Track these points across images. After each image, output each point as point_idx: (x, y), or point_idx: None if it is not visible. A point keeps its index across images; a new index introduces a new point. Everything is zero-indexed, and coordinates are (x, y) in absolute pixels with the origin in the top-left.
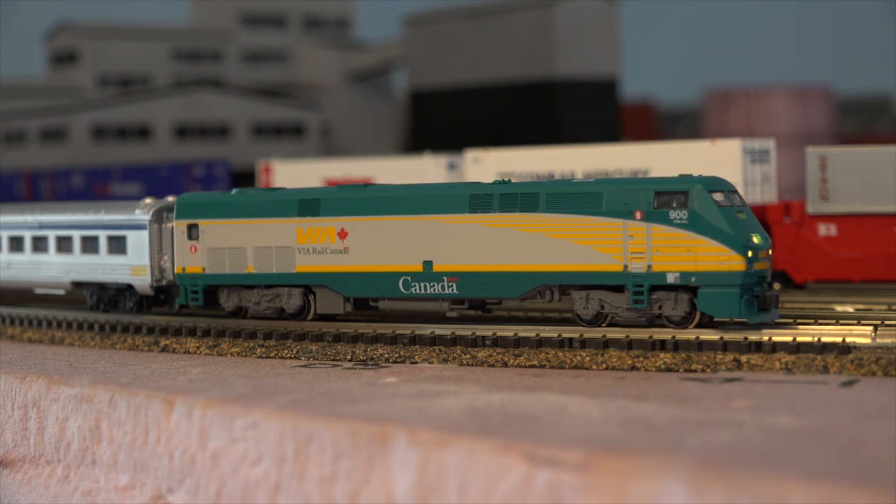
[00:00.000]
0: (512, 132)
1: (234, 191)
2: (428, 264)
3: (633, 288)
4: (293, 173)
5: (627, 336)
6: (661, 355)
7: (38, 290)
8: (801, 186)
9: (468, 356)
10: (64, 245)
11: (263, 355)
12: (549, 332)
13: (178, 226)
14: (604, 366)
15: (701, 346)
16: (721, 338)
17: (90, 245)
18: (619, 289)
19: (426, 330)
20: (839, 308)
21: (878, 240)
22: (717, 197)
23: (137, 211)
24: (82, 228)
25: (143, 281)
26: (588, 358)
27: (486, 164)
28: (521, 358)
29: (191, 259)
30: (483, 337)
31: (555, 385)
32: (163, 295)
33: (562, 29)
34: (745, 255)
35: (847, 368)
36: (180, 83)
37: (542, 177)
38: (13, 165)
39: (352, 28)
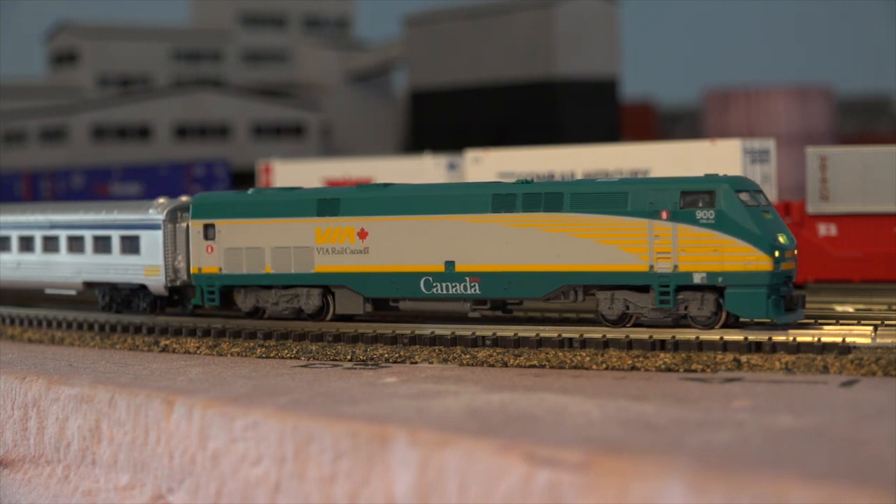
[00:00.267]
0: (512, 132)
1: (250, 190)
2: (450, 264)
3: (658, 288)
4: (293, 173)
5: (627, 336)
6: (661, 355)
7: (49, 291)
8: (801, 186)
9: (468, 356)
10: (75, 245)
11: (263, 355)
12: (549, 332)
13: (194, 226)
14: (604, 366)
15: (701, 346)
16: (721, 338)
17: (102, 245)
18: (644, 289)
19: (426, 330)
20: (839, 308)
21: (878, 240)
22: (744, 197)
23: (151, 210)
24: (94, 228)
25: (156, 281)
26: (588, 358)
27: (486, 164)
28: (521, 358)
29: (207, 259)
30: (483, 337)
31: (555, 385)
32: (176, 295)
33: (562, 29)
34: (773, 255)
35: (847, 368)
36: (180, 83)
37: (542, 177)
38: (13, 165)
39: (352, 28)
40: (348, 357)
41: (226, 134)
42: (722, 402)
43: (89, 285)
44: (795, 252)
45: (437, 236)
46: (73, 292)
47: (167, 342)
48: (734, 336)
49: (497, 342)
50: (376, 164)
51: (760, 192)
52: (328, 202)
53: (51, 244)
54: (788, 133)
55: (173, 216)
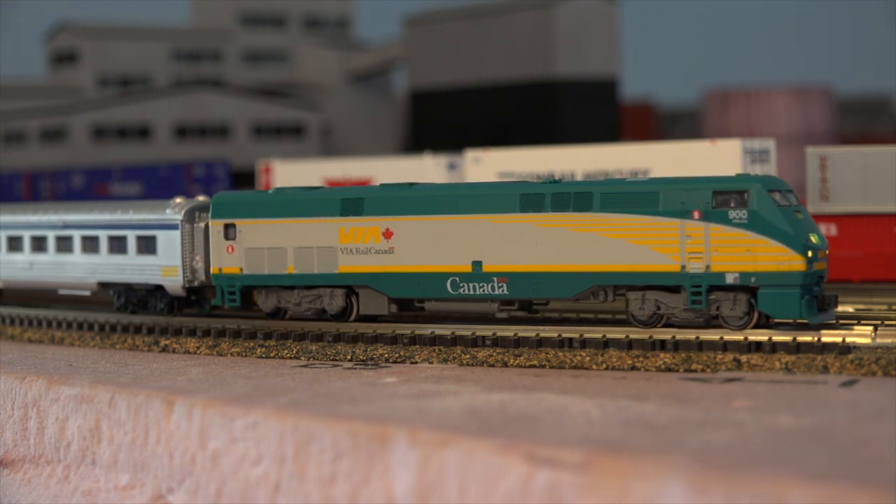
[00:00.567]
0: (512, 132)
1: (270, 189)
2: (477, 264)
3: (691, 288)
4: (293, 173)
5: (627, 336)
6: (661, 355)
7: (62, 291)
8: (801, 186)
9: (468, 356)
10: (90, 245)
11: (263, 355)
12: (549, 332)
13: (214, 225)
14: (604, 366)
15: (701, 346)
16: (721, 338)
17: (118, 245)
18: (675, 289)
19: (426, 330)
20: (839, 308)
21: (878, 240)
22: (776, 196)
23: (168, 210)
24: (110, 228)
25: (174, 282)
26: (588, 358)
27: (486, 164)
28: (521, 358)
29: (228, 259)
30: (483, 337)
31: (555, 385)
32: (194, 296)
33: (562, 29)
34: (806, 255)
35: (847, 368)
36: (180, 83)
37: (542, 177)
38: (13, 165)
39: (352, 28)
40: (348, 357)
41: (226, 134)
42: (722, 402)
43: (104, 286)
44: (827, 252)
45: (465, 236)
46: (87, 293)
47: (167, 342)
48: (734, 336)
49: (497, 342)
50: (376, 164)
51: (791, 191)
52: (352, 202)
53: (64, 244)
54: (788, 133)
55: (191, 216)
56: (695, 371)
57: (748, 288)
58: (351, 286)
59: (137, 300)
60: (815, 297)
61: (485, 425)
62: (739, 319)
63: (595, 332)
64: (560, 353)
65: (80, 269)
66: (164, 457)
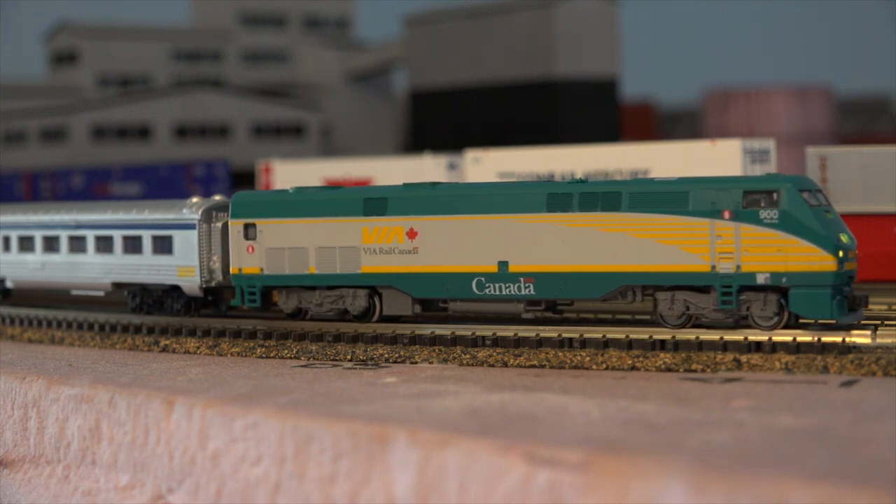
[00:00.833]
0: (512, 132)
1: (290, 189)
2: (503, 265)
3: (721, 289)
4: (293, 173)
5: (627, 336)
6: (661, 355)
7: (75, 292)
8: None
9: (468, 356)
10: (103, 245)
11: (263, 355)
12: (549, 332)
13: (234, 225)
14: (604, 366)
15: (701, 346)
16: (721, 338)
17: (133, 245)
18: (704, 289)
19: (426, 330)
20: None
21: (878, 240)
22: (806, 196)
23: (185, 210)
24: (124, 228)
25: (191, 282)
26: (588, 358)
27: (486, 164)
28: (521, 358)
29: (248, 259)
30: (483, 337)
31: (555, 385)
32: (210, 296)
33: (562, 29)
34: (837, 255)
35: (847, 368)
36: (180, 83)
37: (542, 177)
38: (13, 165)
39: (352, 28)
40: (348, 357)
41: (226, 134)
42: (722, 402)
43: (118, 286)
44: (856, 252)
45: (490, 236)
46: (101, 293)
47: (167, 342)
48: (734, 336)
49: (497, 342)
50: (376, 164)
51: (820, 191)
52: (375, 201)
53: (77, 244)
54: (788, 133)
55: (208, 215)
56: (695, 371)
57: (778, 288)
58: (374, 286)
59: (153, 301)
60: (845, 297)
61: (485, 425)
62: (769, 320)
63: (595, 332)
64: (560, 353)
65: (93, 270)
66: (164, 457)
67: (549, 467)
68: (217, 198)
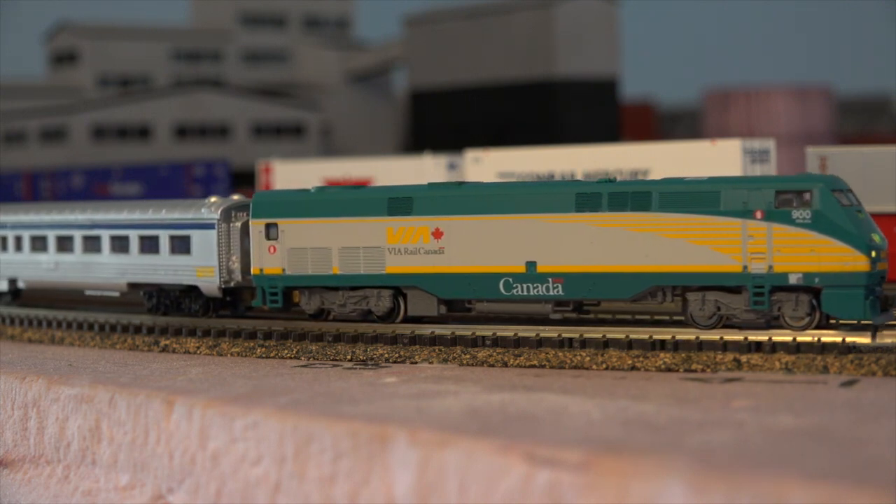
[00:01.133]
0: (512, 132)
1: (312, 189)
2: (531, 265)
3: (753, 289)
4: (293, 173)
5: (627, 336)
6: (661, 355)
7: (89, 292)
8: None
9: (468, 356)
10: (119, 245)
11: (263, 355)
12: (549, 332)
13: (255, 225)
14: (604, 366)
15: (701, 346)
16: (721, 338)
17: (149, 245)
18: (735, 290)
19: (426, 330)
20: None
21: None
22: (838, 196)
23: (204, 210)
24: (141, 227)
25: (210, 283)
26: (588, 358)
27: (486, 164)
28: (521, 358)
29: (269, 260)
30: (483, 337)
31: (555, 385)
32: (229, 297)
33: (562, 29)
34: (869, 255)
35: (847, 368)
36: (180, 83)
37: (542, 177)
38: (13, 165)
39: (352, 28)
40: (348, 357)
41: (226, 134)
42: (722, 402)
43: (134, 286)
44: (887, 252)
45: (518, 236)
46: (116, 294)
47: (167, 342)
48: (734, 336)
49: (497, 342)
50: (376, 164)
51: (851, 191)
52: (400, 201)
53: (92, 244)
54: (788, 133)
55: (227, 215)
56: (695, 371)
57: (810, 288)
58: (398, 287)
59: (171, 301)
60: (877, 297)
61: (485, 425)
62: (801, 320)
63: (595, 333)
64: (560, 353)
65: (108, 270)
66: (164, 457)
67: (549, 467)
68: (235, 197)
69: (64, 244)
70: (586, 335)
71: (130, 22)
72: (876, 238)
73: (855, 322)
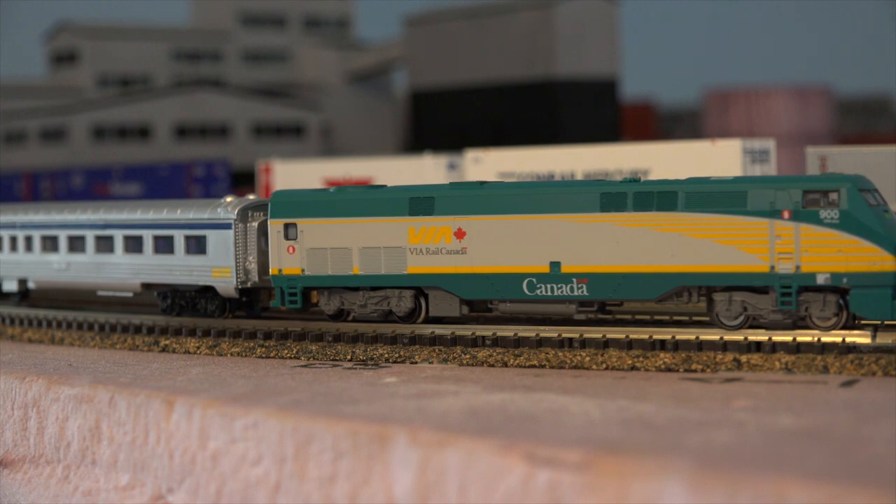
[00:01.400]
0: (512, 132)
1: (331, 188)
2: (555, 265)
3: (780, 289)
4: (293, 173)
5: (627, 336)
6: (661, 355)
7: (101, 293)
8: None
9: (468, 356)
10: (132, 245)
11: (263, 355)
12: (549, 332)
13: (274, 225)
14: (604, 366)
15: (701, 346)
16: (721, 338)
17: (164, 245)
18: (762, 290)
19: (426, 330)
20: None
21: None
22: (866, 196)
23: (220, 209)
24: (155, 227)
25: (226, 283)
26: (588, 358)
27: (486, 164)
28: (521, 358)
29: (288, 260)
30: (483, 337)
31: (555, 385)
32: (244, 297)
33: (562, 29)
34: None
35: (847, 368)
36: (180, 83)
37: (542, 177)
38: (13, 165)
39: (352, 28)
40: (348, 357)
41: (226, 134)
42: (722, 402)
43: (148, 287)
44: None
45: (542, 236)
46: (129, 294)
47: (167, 342)
48: (734, 336)
49: (497, 342)
50: (376, 164)
51: (877, 191)
52: (422, 201)
53: (104, 244)
54: (788, 133)
55: (244, 215)
56: (695, 371)
57: (837, 288)
58: (420, 287)
59: (186, 302)
60: None
61: (485, 425)
62: (828, 321)
63: (595, 333)
64: (560, 353)
65: (122, 270)
66: (164, 457)
67: (549, 467)
68: (251, 196)
69: (75, 244)
70: (586, 335)
71: (130, 22)
72: None
73: (879, 322)
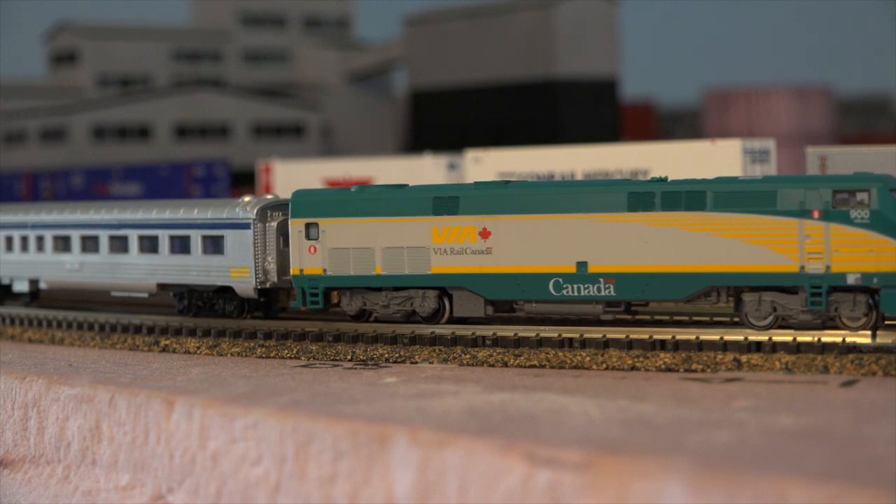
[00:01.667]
0: (512, 132)
1: (353, 188)
2: (582, 265)
3: (810, 290)
4: (293, 173)
5: (627, 336)
6: (661, 355)
7: (116, 294)
8: None
9: (468, 356)
10: (148, 245)
11: (263, 355)
12: (549, 332)
13: (295, 225)
14: (604, 366)
15: (701, 346)
16: (721, 338)
17: (180, 245)
18: (791, 290)
19: (426, 330)
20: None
21: None
22: (895, 196)
23: (239, 209)
24: (171, 227)
25: (245, 283)
26: (588, 358)
27: (486, 164)
28: (521, 358)
29: (310, 260)
30: (483, 337)
31: (555, 385)
32: (263, 298)
33: (562, 29)
34: None
35: (847, 368)
36: (180, 83)
37: (542, 177)
38: (13, 165)
39: (352, 28)
40: (348, 357)
41: (226, 134)
42: (722, 402)
43: (164, 287)
44: None
45: (568, 236)
46: (144, 295)
47: (167, 342)
48: (734, 336)
49: (497, 342)
50: (376, 164)
51: None
52: (446, 200)
53: (119, 244)
54: (788, 133)
55: (263, 215)
56: (695, 371)
57: (867, 288)
58: (444, 288)
59: (204, 302)
60: None
61: (485, 425)
62: (858, 321)
63: (595, 333)
64: (560, 353)
65: (137, 271)
66: (164, 457)
67: (549, 467)
68: (269, 196)
69: (89, 244)
70: (586, 335)
71: (130, 22)
72: None
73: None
